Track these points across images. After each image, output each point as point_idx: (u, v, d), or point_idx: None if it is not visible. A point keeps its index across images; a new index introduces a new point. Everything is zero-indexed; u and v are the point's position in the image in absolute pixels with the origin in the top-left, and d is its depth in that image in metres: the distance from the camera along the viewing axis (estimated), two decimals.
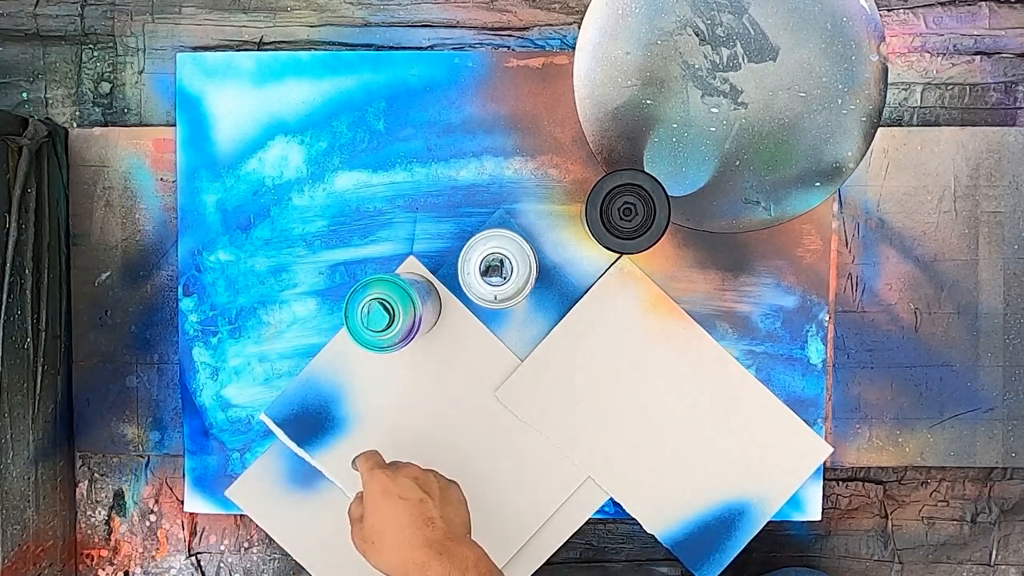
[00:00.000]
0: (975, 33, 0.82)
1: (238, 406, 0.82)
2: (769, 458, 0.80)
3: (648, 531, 0.81)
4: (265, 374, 0.82)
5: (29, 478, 0.77)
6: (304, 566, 0.82)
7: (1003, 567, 0.84)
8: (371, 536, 0.66)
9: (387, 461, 0.71)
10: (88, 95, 0.83)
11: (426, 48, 0.82)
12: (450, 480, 0.71)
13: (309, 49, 0.82)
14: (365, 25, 0.82)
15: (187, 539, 0.84)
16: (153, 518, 0.84)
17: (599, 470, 0.81)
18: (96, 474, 0.84)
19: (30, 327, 0.77)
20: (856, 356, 0.82)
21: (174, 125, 0.82)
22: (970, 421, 0.82)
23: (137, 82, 0.83)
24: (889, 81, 0.78)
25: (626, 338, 0.80)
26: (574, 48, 0.75)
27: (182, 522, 0.84)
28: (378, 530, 0.65)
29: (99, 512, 0.84)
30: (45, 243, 0.79)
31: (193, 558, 0.84)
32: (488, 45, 0.82)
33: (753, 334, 0.81)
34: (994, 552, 0.84)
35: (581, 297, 0.80)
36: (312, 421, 0.81)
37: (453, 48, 0.82)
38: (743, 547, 0.81)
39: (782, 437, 0.80)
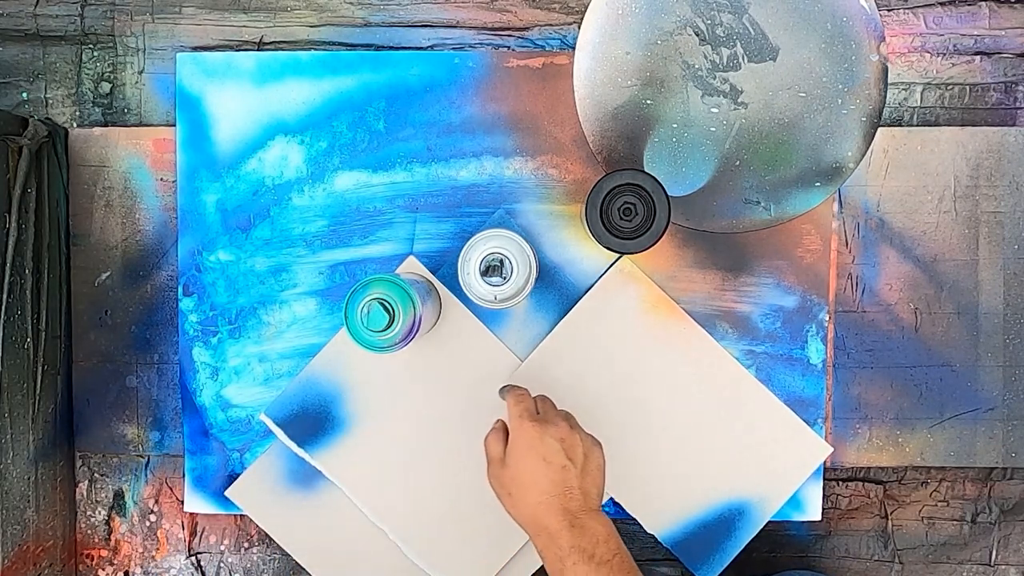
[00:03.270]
0: (975, 33, 0.82)
1: (238, 406, 0.82)
2: (769, 458, 0.80)
3: (648, 531, 0.81)
4: (265, 374, 0.82)
5: (29, 478, 0.77)
6: (304, 566, 0.82)
7: (1003, 567, 0.84)
8: (508, 486, 0.68)
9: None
10: (88, 95, 0.83)
11: (426, 48, 0.82)
12: (595, 442, 0.70)
13: (309, 49, 0.82)
14: (365, 25, 0.82)
15: (187, 539, 0.84)
16: (153, 518, 0.84)
17: None
18: (96, 474, 0.84)
19: (30, 327, 0.77)
20: (856, 356, 0.82)
21: (174, 125, 0.82)
22: (970, 421, 0.82)
23: (137, 82, 0.83)
24: (889, 81, 0.78)
25: (626, 338, 0.80)
26: (574, 48, 0.75)
27: (182, 522, 0.84)
28: (518, 483, 0.67)
29: (99, 512, 0.85)
30: (45, 243, 0.79)
31: (193, 558, 0.84)
32: (488, 45, 0.82)
33: (753, 334, 0.81)
34: (994, 552, 0.84)
35: (581, 297, 0.80)
36: (312, 421, 0.81)
37: (453, 48, 0.82)
38: (743, 547, 0.81)
39: (782, 437, 0.80)
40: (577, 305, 0.80)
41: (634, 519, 0.81)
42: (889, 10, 0.82)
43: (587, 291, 0.80)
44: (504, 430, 0.71)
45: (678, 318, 0.80)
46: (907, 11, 0.82)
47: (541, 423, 0.68)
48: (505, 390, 0.73)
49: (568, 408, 0.80)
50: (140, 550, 0.84)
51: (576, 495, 0.66)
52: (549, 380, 0.80)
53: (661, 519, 0.81)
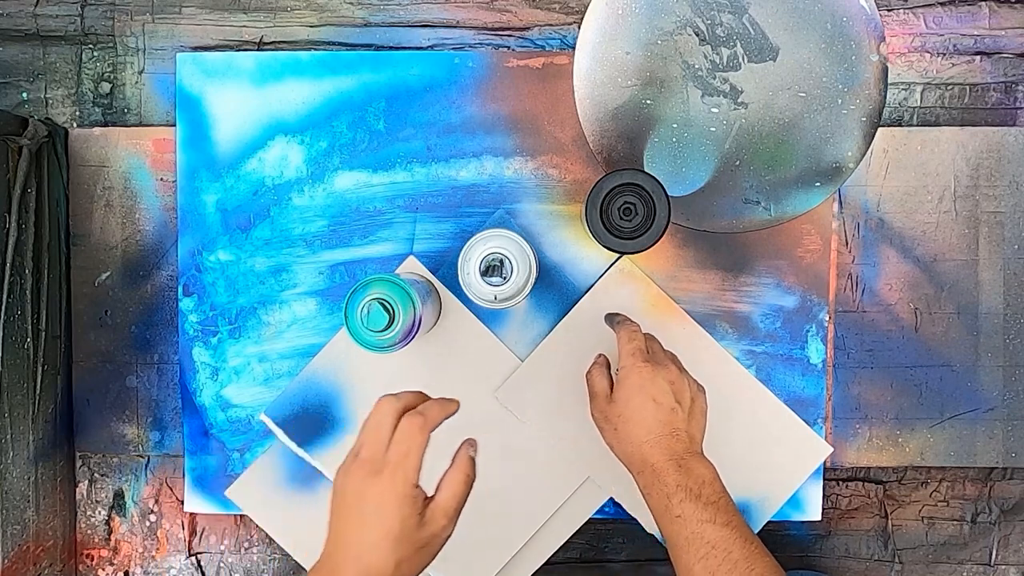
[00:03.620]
0: (975, 33, 0.82)
1: (238, 406, 0.82)
2: (769, 458, 0.80)
3: (648, 531, 0.81)
4: (265, 374, 0.82)
5: (29, 478, 0.77)
6: (304, 566, 0.82)
7: (1003, 567, 0.84)
8: (615, 422, 0.68)
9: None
10: (88, 95, 0.83)
11: (426, 48, 0.82)
12: (700, 387, 0.71)
13: (309, 49, 0.82)
14: (365, 25, 0.82)
15: (187, 539, 0.84)
16: (153, 518, 0.84)
17: (598, 470, 0.81)
18: (96, 474, 0.84)
19: (30, 327, 0.77)
20: (856, 356, 0.82)
21: (174, 125, 0.82)
22: (970, 421, 0.82)
23: (137, 82, 0.83)
24: (889, 81, 0.78)
25: None
26: (574, 48, 0.75)
27: (182, 522, 0.84)
28: (624, 419, 0.68)
29: (99, 512, 0.85)
30: (45, 243, 0.79)
31: (193, 558, 0.84)
32: (488, 45, 0.82)
33: (753, 334, 0.81)
34: (994, 552, 0.84)
35: (581, 297, 0.80)
36: (312, 421, 0.81)
37: (453, 48, 0.82)
38: None
39: (782, 437, 0.80)
40: (577, 305, 0.80)
41: (634, 519, 0.81)
42: (889, 10, 0.82)
43: (587, 291, 0.80)
44: (607, 364, 0.73)
45: (678, 318, 0.80)
46: (907, 11, 0.82)
47: (653, 363, 0.69)
48: (617, 322, 0.73)
49: (568, 408, 0.80)
50: (140, 550, 0.84)
51: (683, 437, 0.67)
52: (549, 380, 0.80)
53: None
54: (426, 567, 0.59)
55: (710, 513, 0.63)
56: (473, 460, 0.62)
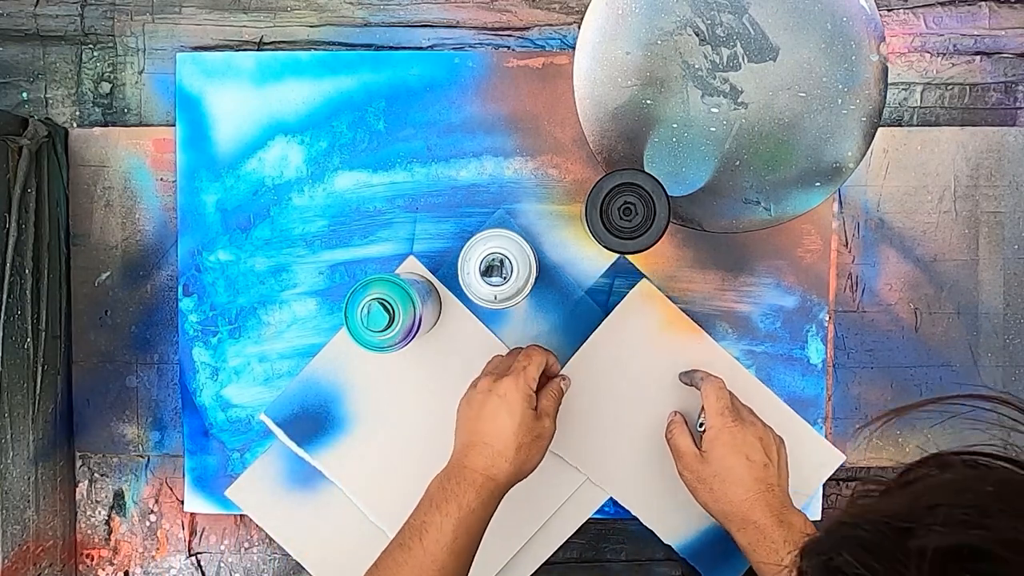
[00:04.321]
0: (975, 33, 0.82)
1: (238, 406, 0.82)
2: None
3: (665, 541, 0.81)
4: (265, 374, 0.82)
5: (29, 478, 0.77)
6: (304, 566, 0.82)
7: None
8: (710, 482, 0.70)
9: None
10: (88, 95, 0.83)
11: (426, 48, 0.82)
12: (781, 438, 0.74)
13: (309, 49, 0.82)
14: (365, 25, 0.82)
15: (187, 539, 0.84)
16: (153, 518, 0.84)
17: (599, 470, 0.81)
18: (96, 474, 0.84)
19: (30, 327, 0.77)
20: (856, 356, 0.82)
21: (174, 125, 0.82)
22: (970, 421, 0.82)
23: (137, 82, 0.83)
24: (889, 81, 0.78)
25: (645, 356, 0.80)
26: (574, 48, 0.75)
27: (182, 522, 0.84)
28: (721, 479, 0.70)
29: (99, 512, 0.84)
30: (45, 243, 0.79)
31: (193, 558, 0.84)
32: (488, 45, 0.82)
33: (753, 334, 0.81)
34: None
35: (601, 321, 0.80)
36: (312, 421, 0.81)
37: (453, 48, 0.82)
38: None
39: (796, 447, 0.80)
40: (598, 328, 0.80)
41: (634, 518, 0.81)
42: (889, 10, 0.82)
43: (607, 314, 0.80)
44: (684, 423, 0.75)
45: (696, 336, 0.80)
46: (907, 11, 0.82)
47: (741, 421, 0.71)
48: (700, 379, 0.75)
49: (589, 424, 0.80)
50: (140, 550, 0.84)
51: (777, 492, 0.69)
52: (571, 398, 0.80)
53: (678, 530, 0.81)
54: (537, 463, 0.69)
55: None
56: (564, 385, 0.74)
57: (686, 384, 0.79)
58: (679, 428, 0.74)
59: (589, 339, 0.80)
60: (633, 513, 0.81)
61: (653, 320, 0.80)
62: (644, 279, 0.80)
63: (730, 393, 0.74)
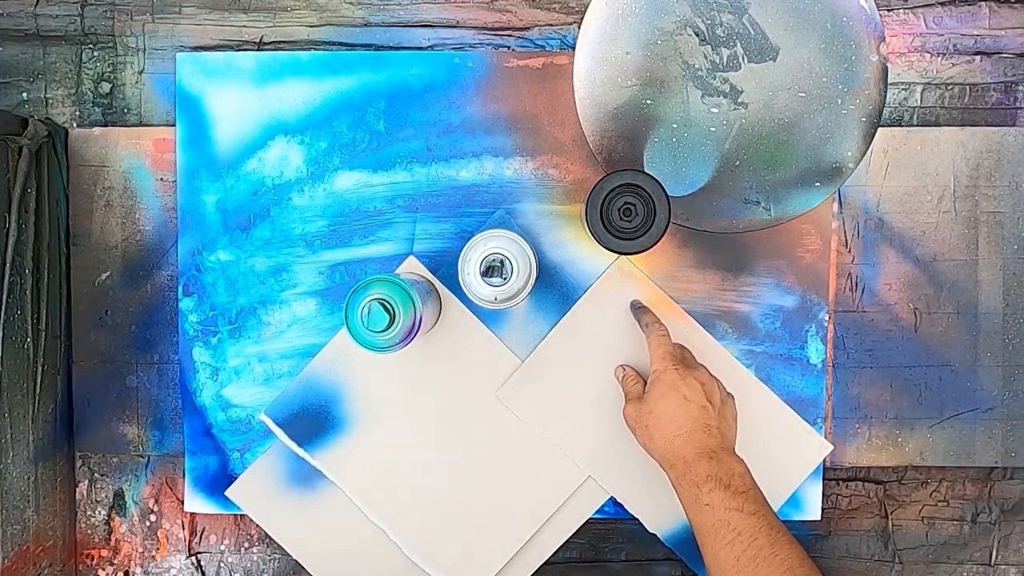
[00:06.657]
0: (975, 33, 0.82)
1: (238, 406, 0.82)
2: (769, 456, 0.80)
3: (650, 530, 0.81)
4: (265, 374, 0.82)
5: (29, 478, 0.77)
6: (304, 566, 0.82)
7: (1003, 567, 0.84)
8: (647, 420, 0.71)
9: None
10: (88, 95, 0.83)
11: (426, 48, 0.82)
12: (728, 393, 0.75)
13: (309, 49, 0.82)
14: (365, 25, 0.82)
15: (187, 539, 0.84)
16: (153, 518, 0.84)
17: (599, 470, 0.81)
18: (96, 474, 0.84)
19: (30, 327, 0.77)
20: (856, 356, 0.82)
21: (174, 125, 0.82)
22: (969, 421, 0.82)
23: (137, 82, 0.83)
24: (889, 81, 0.78)
25: (625, 337, 0.80)
26: (574, 48, 0.75)
27: (182, 522, 0.84)
28: (656, 417, 0.71)
29: (99, 512, 0.85)
30: (45, 243, 0.79)
31: (193, 558, 0.84)
32: (488, 45, 0.82)
33: (753, 334, 0.81)
34: (994, 552, 0.84)
35: (580, 297, 0.80)
36: (312, 421, 0.81)
37: (453, 48, 0.82)
38: None
39: (782, 435, 0.80)
40: (575, 305, 0.80)
41: (634, 519, 0.81)
42: (889, 10, 0.82)
43: (585, 291, 0.80)
44: (635, 372, 0.77)
45: (677, 316, 0.80)
46: (907, 11, 0.82)
47: (684, 366, 0.72)
48: (645, 324, 0.76)
49: (568, 408, 0.80)
50: (140, 550, 0.84)
51: (714, 432, 0.69)
52: (549, 380, 0.80)
53: (663, 519, 0.81)
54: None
55: (738, 502, 0.65)
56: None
57: (636, 319, 0.79)
58: (623, 371, 0.77)
59: (564, 318, 0.80)
60: (615, 498, 0.81)
61: (632, 296, 0.81)
62: (622, 256, 0.80)
63: (681, 345, 0.75)
